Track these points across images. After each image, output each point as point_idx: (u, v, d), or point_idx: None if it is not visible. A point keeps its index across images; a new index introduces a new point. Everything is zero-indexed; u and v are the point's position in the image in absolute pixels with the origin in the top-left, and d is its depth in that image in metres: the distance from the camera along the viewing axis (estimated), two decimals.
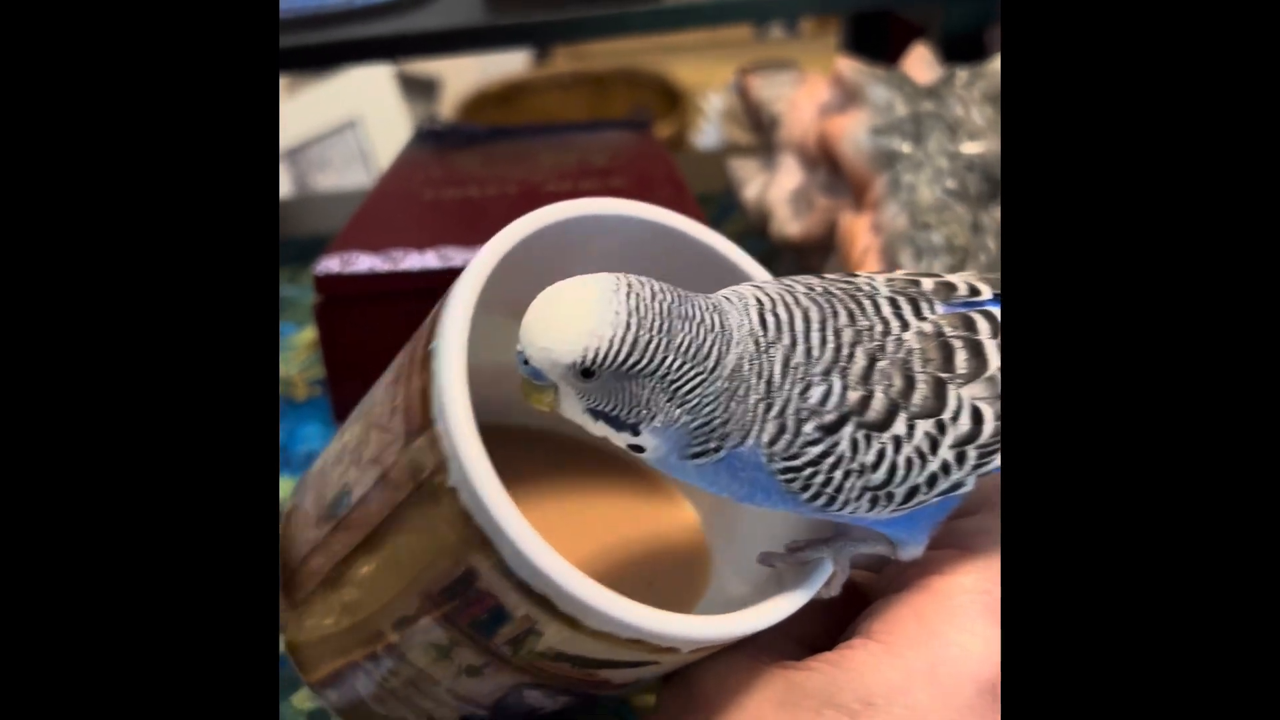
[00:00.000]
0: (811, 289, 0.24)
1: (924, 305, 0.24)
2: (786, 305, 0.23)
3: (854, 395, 0.23)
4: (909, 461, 0.23)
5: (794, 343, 0.23)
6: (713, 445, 0.23)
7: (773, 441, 0.23)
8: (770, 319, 0.23)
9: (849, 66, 0.49)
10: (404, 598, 0.24)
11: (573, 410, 0.23)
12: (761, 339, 0.23)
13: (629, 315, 0.22)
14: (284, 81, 1.22)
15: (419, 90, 1.39)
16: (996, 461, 0.24)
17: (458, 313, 0.24)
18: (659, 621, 0.22)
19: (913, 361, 0.23)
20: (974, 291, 0.25)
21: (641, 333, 0.22)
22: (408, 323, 0.31)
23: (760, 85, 0.56)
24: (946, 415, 0.23)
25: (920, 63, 0.51)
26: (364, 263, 0.42)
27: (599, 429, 0.23)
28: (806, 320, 0.23)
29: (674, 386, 0.22)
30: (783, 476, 0.23)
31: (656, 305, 0.22)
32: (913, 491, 0.24)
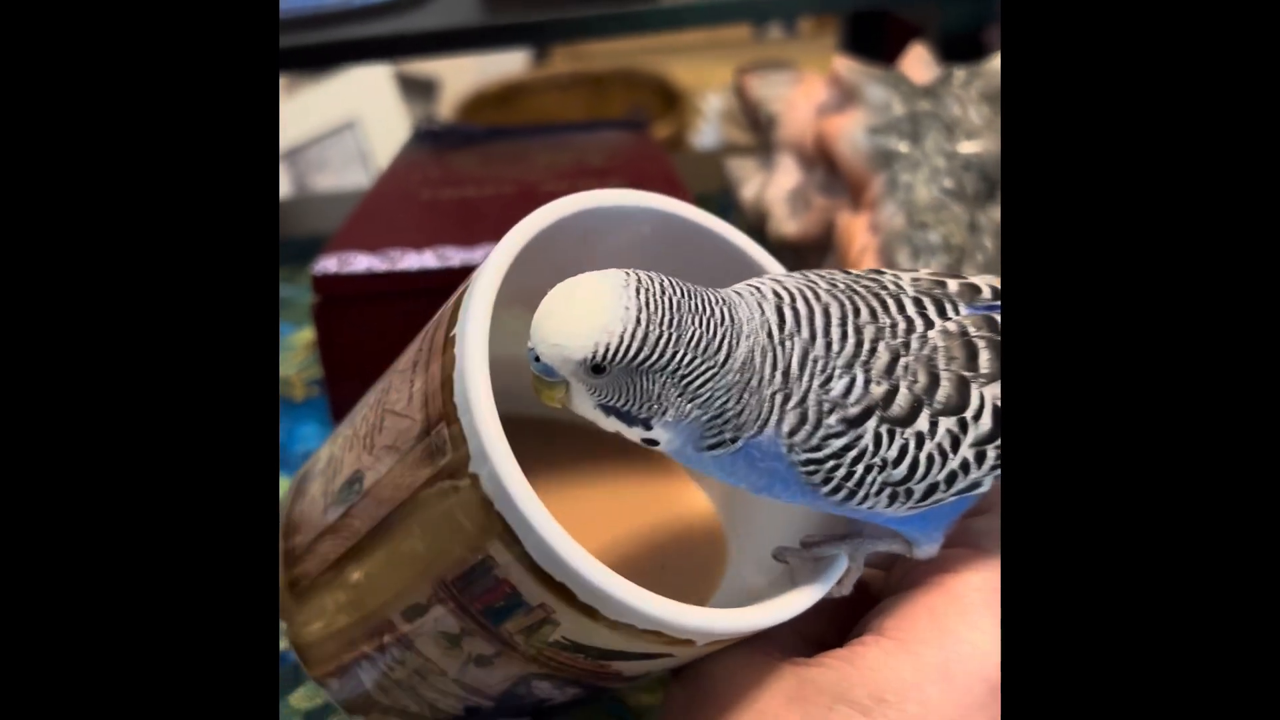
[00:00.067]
0: (834, 285, 0.24)
1: (948, 306, 0.24)
2: (806, 300, 0.23)
3: (878, 389, 0.23)
4: (930, 458, 0.23)
5: (813, 336, 0.23)
6: (728, 436, 0.23)
7: (793, 432, 0.23)
8: (789, 312, 0.23)
9: (846, 66, 0.49)
10: (416, 585, 0.24)
11: (584, 406, 0.23)
12: (775, 331, 0.23)
13: (639, 311, 0.22)
14: (282, 82, 1.22)
15: (418, 91, 1.39)
16: None
17: (481, 299, 0.24)
18: (676, 613, 0.22)
19: (937, 359, 0.23)
20: (998, 294, 0.25)
21: (651, 328, 0.22)
22: (406, 322, 0.31)
23: (758, 85, 0.56)
24: (969, 414, 0.23)
25: (918, 62, 0.51)
26: (361, 263, 0.42)
27: (611, 424, 0.23)
28: (827, 315, 0.23)
29: (685, 381, 0.22)
30: (803, 468, 0.23)
31: (666, 300, 0.22)
32: (931, 489, 0.24)
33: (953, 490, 0.24)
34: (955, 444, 0.23)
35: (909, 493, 0.24)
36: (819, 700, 0.24)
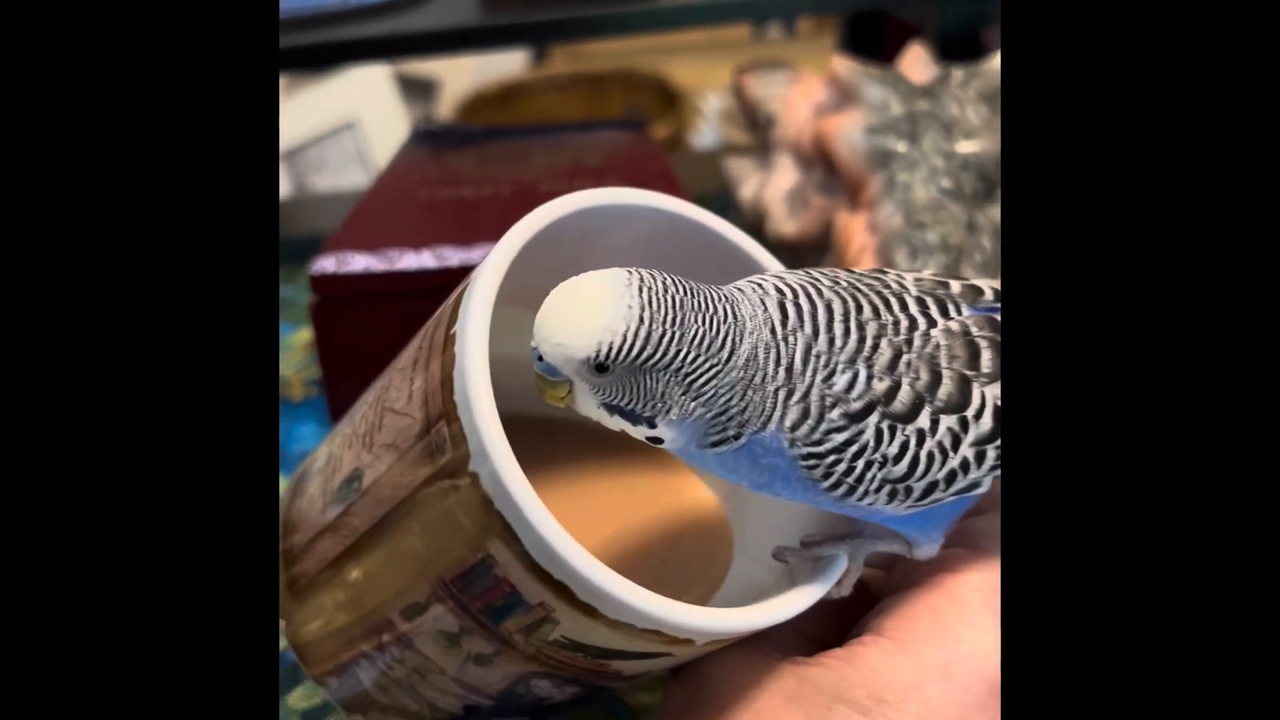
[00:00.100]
0: (837, 282, 0.24)
1: (951, 306, 0.24)
2: (809, 296, 0.23)
3: (880, 385, 0.23)
4: (930, 456, 0.23)
5: (816, 332, 0.23)
6: (731, 433, 0.23)
7: (795, 426, 0.23)
8: (791, 308, 0.23)
9: (844, 66, 0.49)
10: (416, 583, 0.24)
11: (588, 405, 0.23)
12: (778, 327, 0.23)
13: (641, 309, 0.22)
14: (281, 82, 1.22)
15: (417, 92, 1.39)
16: None
17: (481, 297, 0.24)
18: (675, 612, 0.22)
19: (939, 357, 0.23)
20: (1000, 297, 0.25)
21: (654, 327, 0.22)
22: (404, 322, 0.31)
23: (756, 85, 0.56)
24: (970, 412, 0.23)
25: (916, 62, 0.51)
26: (359, 263, 0.42)
27: (615, 423, 0.23)
28: (829, 311, 0.23)
29: (688, 379, 0.22)
30: (804, 463, 0.23)
31: (669, 299, 0.22)
32: (931, 487, 0.24)
33: (952, 489, 0.24)
34: (956, 442, 0.23)
35: (908, 490, 0.24)
36: (818, 700, 0.24)
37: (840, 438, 0.23)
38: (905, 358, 0.23)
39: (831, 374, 0.23)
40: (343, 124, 1.28)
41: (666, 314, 0.22)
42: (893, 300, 0.24)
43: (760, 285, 0.24)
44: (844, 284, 0.24)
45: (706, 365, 0.22)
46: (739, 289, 0.24)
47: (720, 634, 0.24)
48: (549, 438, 0.33)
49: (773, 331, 0.23)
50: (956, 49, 0.64)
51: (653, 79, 1.30)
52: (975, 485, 0.24)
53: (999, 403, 0.24)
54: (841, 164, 0.47)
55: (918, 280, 0.25)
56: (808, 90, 0.52)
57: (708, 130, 1.30)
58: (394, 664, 0.26)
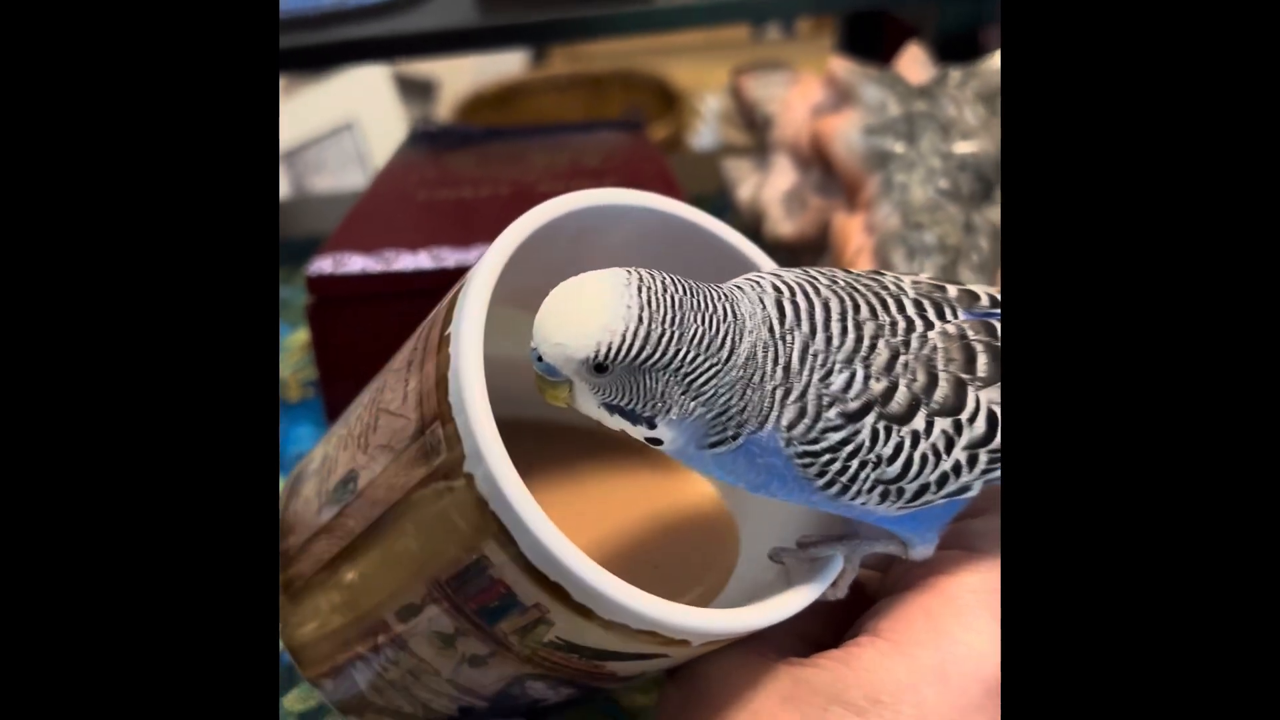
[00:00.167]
0: (834, 281, 0.24)
1: (948, 310, 0.24)
2: (806, 294, 0.23)
3: (877, 385, 0.23)
4: (924, 458, 0.23)
5: (813, 331, 0.23)
6: (730, 434, 0.23)
7: (792, 425, 0.23)
8: (789, 307, 0.23)
9: (842, 66, 0.49)
10: (411, 585, 0.24)
11: (588, 405, 0.23)
12: (777, 326, 0.23)
13: (641, 309, 0.22)
14: (280, 83, 1.22)
15: (416, 92, 1.39)
16: None
17: (476, 298, 0.24)
18: (671, 613, 0.22)
19: (936, 359, 0.23)
20: (996, 303, 0.25)
21: (654, 326, 0.22)
22: (401, 323, 0.31)
23: (754, 85, 0.56)
24: (964, 416, 0.23)
25: (913, 62, 0.51)
26: (356, 264, 0.42)
27: (615, 423, 0.23)
28: (827, 310, 0.23)
29: (688, 379, 0.22)
30: (799, 460, 0.23)
31: (668, 298, 0.22)
32: (922, 489, 0.24)
33: (943, 492, 0.24)
34: (949, 445, 0.23)
35: (900, 492, 0.24)
36: (814, 701, 0.24)
37: (836, 437, 0.23)
38: (903, 359, 0.23)
39: (829, 373, 0.23)
40: (342, 125, 1.28)
41: (666, 313, 0.22)
42: (890, 301, 0.24)
43: (758, 283, 0.24)
44: (842, 283, 0.24)
45: (706, 364, 0.22)
46: (738, 287, 0.23)
47: (716, 635, 0.24)
48: (546, 441, 0.33)
49: (771, 330, 0.23)
50: (955, 49, 0.64)
51: (652, 80, 1.30)
52: (966, 489, 0.24)
53: (993, 407, 0.24)
54: (839, 165, 0.47)
55: (915, 283, 0.25)
56: (805, 91, 0.52)
57: (706, 131, 1.30)
58: (389, 665, 0.26)
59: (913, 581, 0.26)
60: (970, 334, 0.24)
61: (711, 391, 0.22)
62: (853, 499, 0.24)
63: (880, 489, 0.23)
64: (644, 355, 0.22)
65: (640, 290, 0.22)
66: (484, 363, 0.23)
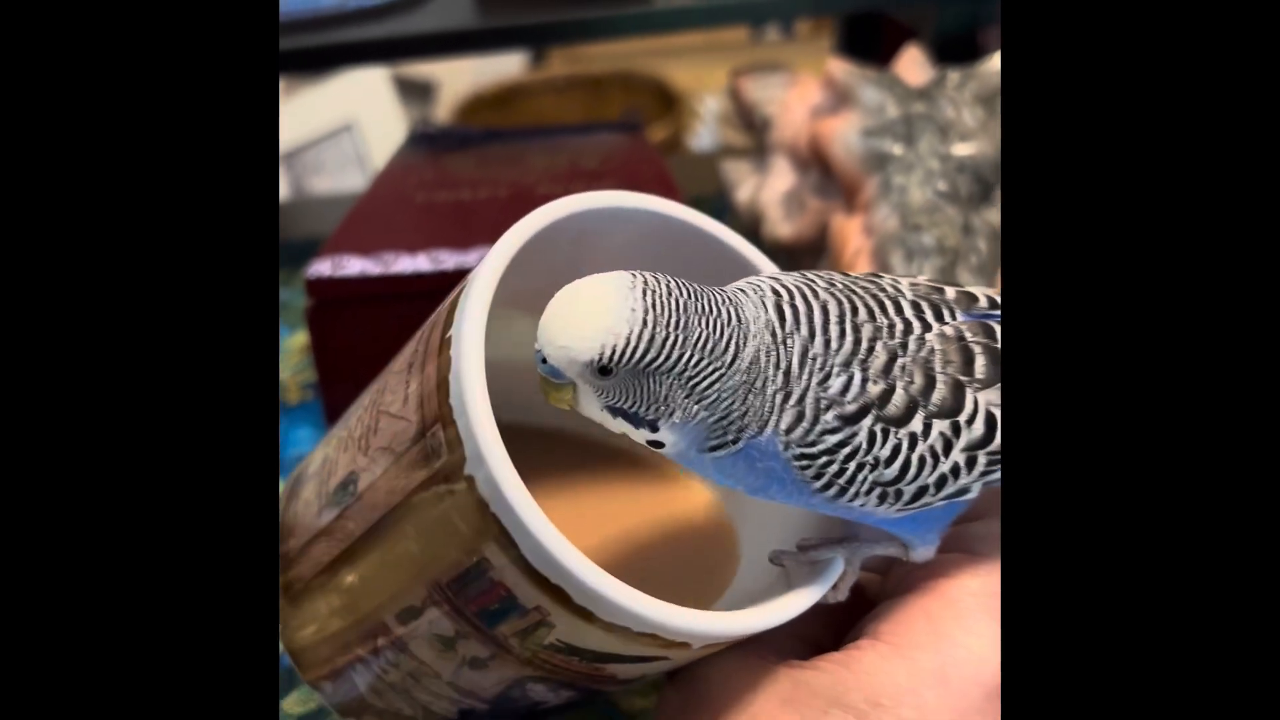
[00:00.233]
0: (832, 284, 0.24)
1: (945, 311, 0.24)
2: (805, 298, 0.23)
3: (875, 388, 0.23)
4: (922, 460, 0.23)
5: (812, 334, 0.23)
6: (730, 437, 0.23)
7: (790, 429, 0.23)
8: (788, 310, 0.23)
9: (840, 68, 0.50)
10: (411, 587, 0.24)
11: (591, 408, 0.23)
12: (779, 331, 0.23)
13: (645, 313, 0.22)
14: (280, 85, 1.22)
15: (415, 94, 1.39)
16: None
17: (478, 300, 0.24)
18: (672, 616, 0.22)
19: (933, 361, 0.23)
20: (994, 304, 0.25)
21: (658, 330, 0.22)
22: (400, 326, 0.31)
23: (752, 87, 0.56)
24: (962, 418, 0.23)
25: (912, 64, 0.51)
26: (355, 266, 0.42)
27: (618, 426, 0.23)
28: (825, 313, 0.23)
29: (691, 383, 0.22)
30: (797, 463, 0.23)
31: (673, 302, 0.22)
32: (921, 491, 0.24)
33: (941, 494, 0.24)
34: (947, 447, 0.23)
35: (899, 494, 0.24)
36: (814, 704, 0.24)
37: (833, 439, 0.23)
38: (900, 361, 0.23)
39: (827, 377, 0.23)
40: (341, 126, 1.28)
41: (670, 317, 0.22)
42: (888, 303, 0.24)
43: (758, 287, 0.24)
44: (839, 286, 0.24)
45: (710, 369, 0.22)
46: (741, 290, 0.24)
47: (716, 637, 0.24)
48: (546, 447, 0.33)
49: (773, 335, 0.23)
50: (954, 51, 0.64)
51: (651, 81, 1.30)
52: (964, 491, 0.24)
53: (991, 409, 0.24)
54: (837, 166, 0.47)
55: (913, 285, 0.25)
56: (804, 93, 0.52)
57: (705, 133, 1.30)
58: (389, 668, 0.26)
59: (913, 584, 0.26)
60: (968, 336, 0.24)
61: (714, 395, 0.22)
62: (851, 501, 0.24)
63: (878, 491, 0.23)
64: (647, 358, 0.22)
65: (645, 294, 0.22)
66: (488, 365, 0.23)
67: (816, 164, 0.50)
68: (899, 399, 0.23)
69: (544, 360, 0.23)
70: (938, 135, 0.47)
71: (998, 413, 0.24)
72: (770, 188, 0.52)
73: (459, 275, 0.32)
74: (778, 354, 0.23)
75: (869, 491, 0.23)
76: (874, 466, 0.23)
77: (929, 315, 0.24)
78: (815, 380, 0.23)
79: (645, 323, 0.22)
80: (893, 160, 0.46)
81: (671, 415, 0.23)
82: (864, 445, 0.23)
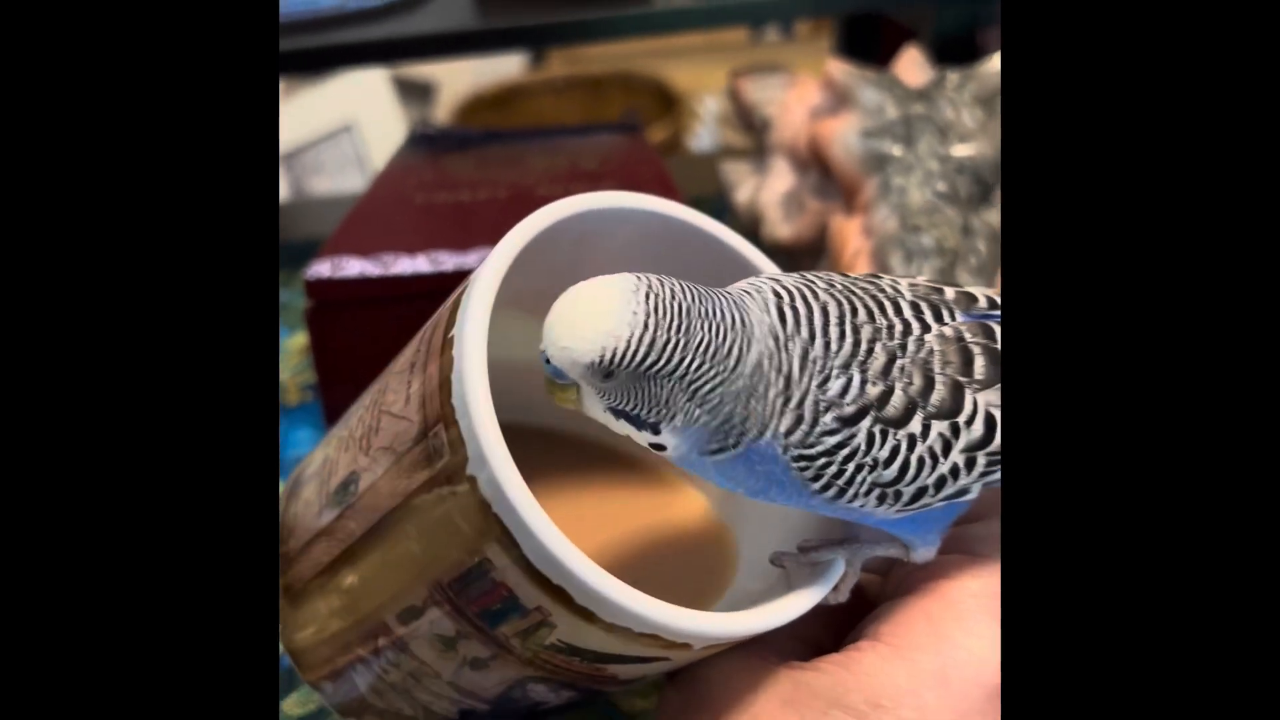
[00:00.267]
0: (832, 285, 0.24)
1: (945, 312, 0.24)
2: (805, 299, 0.23)
3: (874, 390, 0.23)
4: (921, 461, 0.23)
5: (812, 336, 0.23)
6: (731, 441, 0.23)
7: (790, 431, 0.23)
8: (789, 312, 0.23)
9: (840, 69, 0.50)
10: (412, 587, 0.24)
11: (595, 409, 0.23)
12: (780, 335, 0.23)
13: (647, 316, 0.22)
14: (279, 86, 1.22)
15: (415, 94, 1.39)
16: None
17: (480, 301, 0.24)
18: (673, 616, 0.22)
19: (933, 362, 0.23)
20: (994, 305, 0.25)
21: (660, 334, 0.22)
22: (399, 327, 0.31)
23: (752, 88, 0.56)
24: (961, 419, 0.23)
25: (911, 65, 0.51)
26: (354, 267, 0.42)
27: (620, 427, 0.23)
28: (825, 315, 0.23)
29: (693, 386, 0.22)
30: (796, 465, 0.23)
31: (676, 306, 0.22)
32: (920, 492, 0.24)
33: (941, 495, 0.24)
34: (946, 448, 0.23)
35: (898, 495, 0.24)
36: (814, 705, 0.24)
37: (832, 441, 0.23)
38: (899, 362, 0.23)
39: (826, 379, 0.23)
40: (340, 127, 1.28)
41: (672, 321, 0.22)
42: (887, 304, 0.24)
43: (759, 289, 0.24)
44: (839, 287, 0.24)
45: (712, 373, 0.22)
46: (746, 292, 0.24)
47: (717, 638, 0.24)
48: (548, 448, 0.33)
49: (776, 339, 0.23)
50: (953, 52, 0.64)
51: (651, 82, 1.30)
52: (964, 491, 0.24)
53: (990, 410, 0.24)
54: (837, 167, 0.47)
55: (912, 285, 0.25)
56: (803, 93, 0.52)
57: (704, 133, 1.30)
58: (389, 668, 0.26)
59: (914, 586, 0.26)
60: (968, 336, 0.24)
61: (717, 400, 0.22)
62: (850, 502, 0.24)
63: (878, 492, 0.23)
64: (649, 362, 0.22)
65: (648, 297, 0.22)
66: (490, 365, 0.23)
67: (816, 165, 0.50)
68: (898, 400, 0.23)
69: (548, 360, 0.23)
70: (937, 136, 0.47)
71: (997, 413, 0.24)
72: (770, 189, 0.52)
73: (459, 276, 0.32)
74: (780, 359, 0.23)
75: (868, 493, 0.23)
76: (873, 468, 0.23)
77: (928, 316, 0.24)
78: (815, 383, 0.23)
79: (646, 326, 0.22)
80: (892, 161, 0.46)
81: (673, 419, 0.23)
82: (863, 446, 0.23)
